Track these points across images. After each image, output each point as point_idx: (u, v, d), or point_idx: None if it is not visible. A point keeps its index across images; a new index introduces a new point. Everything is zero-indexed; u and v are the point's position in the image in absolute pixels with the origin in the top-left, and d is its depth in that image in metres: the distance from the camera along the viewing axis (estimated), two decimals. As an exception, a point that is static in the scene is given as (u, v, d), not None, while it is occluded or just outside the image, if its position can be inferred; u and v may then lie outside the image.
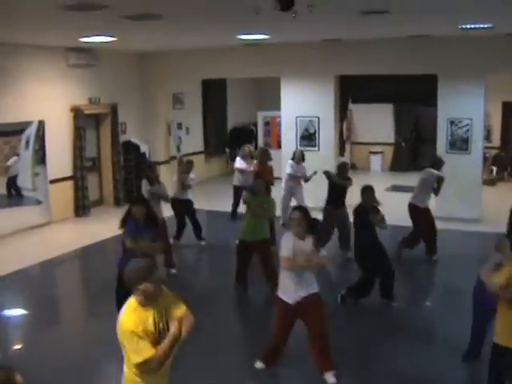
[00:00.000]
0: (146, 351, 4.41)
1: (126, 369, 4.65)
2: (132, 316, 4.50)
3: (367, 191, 9.66)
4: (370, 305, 9.62)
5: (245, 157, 14.64)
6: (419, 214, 11.71)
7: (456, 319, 8.79)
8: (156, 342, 4.50)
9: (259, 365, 7.28)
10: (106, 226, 10.71)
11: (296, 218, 6.80)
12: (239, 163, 14.64)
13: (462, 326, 7.75)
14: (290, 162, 13.67)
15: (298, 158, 13.55)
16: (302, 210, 7.06)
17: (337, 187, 11.85)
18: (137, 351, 4.42)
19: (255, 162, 14.10)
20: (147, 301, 4.55)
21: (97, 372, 7.32)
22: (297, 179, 13.59)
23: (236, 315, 9.77)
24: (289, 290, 6.79)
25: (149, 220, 8.25)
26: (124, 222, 8.34)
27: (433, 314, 9.56)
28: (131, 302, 4.59)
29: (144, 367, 4.45)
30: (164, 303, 4.69)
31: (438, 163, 12.01)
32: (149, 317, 4.54)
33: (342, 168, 12.14)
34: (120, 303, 5.00)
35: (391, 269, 9.46)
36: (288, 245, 6.71)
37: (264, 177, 11.93)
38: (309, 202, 12.85)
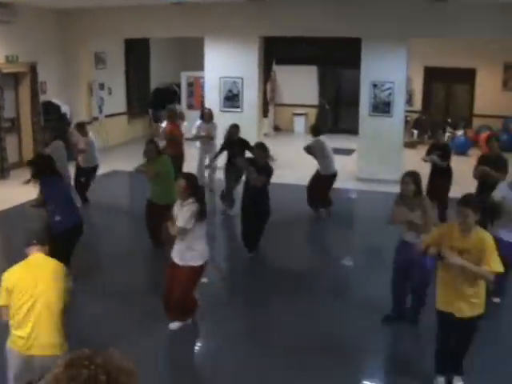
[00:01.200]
0: None
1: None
2: None
3: (259, 149, 9.83)
4: (285, 265, 9.76)
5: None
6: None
7: (374, 277, 8.96)
8: None
9: (173, 325, 7.43)
10: (26, 189, 10.42)
11: (180, 186, 7.02)
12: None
13: (379, 284, 7.89)
14: (198, 121, 13.70)
15: (207, 116, 13.57)
16: (188, 177, 7.19)
17: (233, 146, 12.09)
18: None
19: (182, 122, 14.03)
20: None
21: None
22: (206, 138, 13.60)
23: (151, 274, 9.75)
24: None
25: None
26: None
27: (351, 273, 9.74)
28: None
29: None
30: None
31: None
32: None
33: (230, 132, 12.37)
34: None
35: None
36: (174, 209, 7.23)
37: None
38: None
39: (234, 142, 12.18)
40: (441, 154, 11.28)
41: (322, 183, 12.05)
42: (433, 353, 6.21)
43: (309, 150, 12.05)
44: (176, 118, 13.74)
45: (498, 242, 6.03)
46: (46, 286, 5.08)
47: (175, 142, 13.04)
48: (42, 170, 8.58)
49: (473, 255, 5.59)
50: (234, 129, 12.30)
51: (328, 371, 6.53)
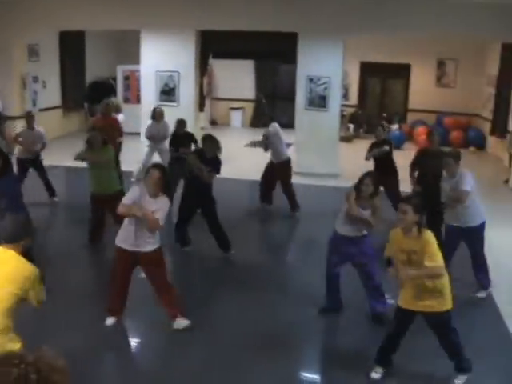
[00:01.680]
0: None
1: None
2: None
3: (208, 141, 9.74)
4: (224, 260, 9.74)
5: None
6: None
7: (313, 271, 9.02)
8: None
9: (109, 321, 7.32)
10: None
11: (154, 178, 6.77)
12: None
13: (320, 277, 7.96)
14: (150, 122, 13.51)
15: (157, 116, 13.36)
16: (162, 169, 6.99)
17: (179, 140, 12.06)
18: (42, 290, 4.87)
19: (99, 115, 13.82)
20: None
21: None
22: (159, 139, 13.42)
23: (91, 273, 9.62)
24: (123, 237, 6.93)
25: None
26: None
27: (291, 267, 9.80)
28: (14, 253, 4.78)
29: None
30: None
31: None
32: None
33: (180, 124, 12.26)
34: None
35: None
36: (133, 195, 6.86)
37: (106, 130, 12.00)
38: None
39: (181, 135, 12.11)
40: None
41: (277, 173, 12.06)
42: (372, 343, 6.29)
43: (267, 135, 12.11)
44: (109, 112, 13.50)
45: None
46: None
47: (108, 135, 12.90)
48: (5, 166, 8.23)
49: (419, 255, 5.69)
50: (180, 124, 12.20)
51: (270, 367, 6.53)
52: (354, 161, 12.93)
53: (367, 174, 7.47)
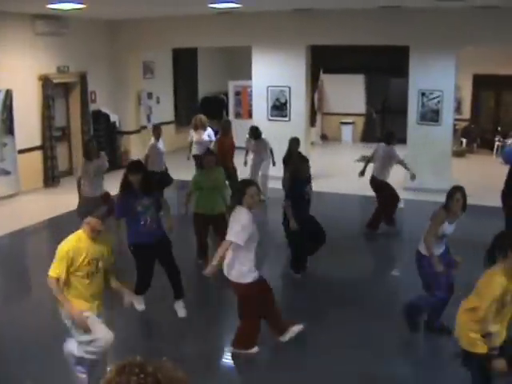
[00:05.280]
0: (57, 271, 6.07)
1: None
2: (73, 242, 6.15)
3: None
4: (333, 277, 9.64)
5: (196, 127, 14.53)
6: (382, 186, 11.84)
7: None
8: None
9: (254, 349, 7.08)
10: (75, 196, 10.61)
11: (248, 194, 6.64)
12: (191, 134, 14.65)
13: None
14: (247, 137, 13.88)
15: (255, 134, 13.67)
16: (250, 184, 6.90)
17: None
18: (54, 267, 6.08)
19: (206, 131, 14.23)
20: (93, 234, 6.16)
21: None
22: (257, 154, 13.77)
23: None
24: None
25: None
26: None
27: (395, 285, 9.62)
28: (79, 233, 6.30)
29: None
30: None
31: (391, 137, 12.02)
32: (82, 252, 6.07)
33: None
34: None
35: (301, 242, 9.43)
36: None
37: (224, 149, 12.66)
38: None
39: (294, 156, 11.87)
40: None
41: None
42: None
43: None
44: (229, 131, 13.88)
45: None
46: None
47: (226, 154, 13.19)
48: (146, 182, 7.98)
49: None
50: (294, 142, 12.11)
51: None
52: (467, 176, 12.61)
53: (456, 188, 7.24)
